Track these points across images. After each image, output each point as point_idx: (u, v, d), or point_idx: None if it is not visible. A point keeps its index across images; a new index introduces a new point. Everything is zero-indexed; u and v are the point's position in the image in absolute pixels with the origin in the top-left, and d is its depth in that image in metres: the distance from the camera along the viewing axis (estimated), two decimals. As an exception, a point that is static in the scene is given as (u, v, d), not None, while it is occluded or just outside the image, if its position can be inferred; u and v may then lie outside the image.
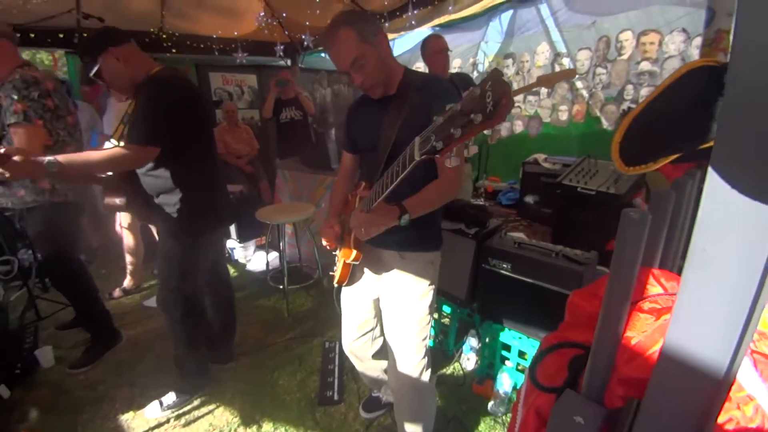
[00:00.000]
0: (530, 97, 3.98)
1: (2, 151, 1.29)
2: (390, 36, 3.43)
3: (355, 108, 1.40)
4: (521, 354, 1.88)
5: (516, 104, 3.87)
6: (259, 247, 3.60)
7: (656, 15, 3.12)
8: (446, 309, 2.31)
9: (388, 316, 1.39)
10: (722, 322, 0.39)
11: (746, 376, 0.52)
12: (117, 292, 2.98)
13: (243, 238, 3.53)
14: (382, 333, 1.52)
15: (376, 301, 1.45)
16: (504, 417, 1.77)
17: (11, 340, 2.15)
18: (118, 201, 1.67)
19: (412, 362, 1.37)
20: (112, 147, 1.54)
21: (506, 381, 1.81)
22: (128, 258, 2.99)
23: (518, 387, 1.86)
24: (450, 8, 3.04)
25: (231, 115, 4.19)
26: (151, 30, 3.91)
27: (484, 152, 3.36)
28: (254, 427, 1.78)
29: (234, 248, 3.60)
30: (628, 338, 0.59)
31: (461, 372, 2.06)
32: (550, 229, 2.37)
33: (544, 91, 3.85)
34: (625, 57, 3.34)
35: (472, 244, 1.92)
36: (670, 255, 0.78)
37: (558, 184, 2.22)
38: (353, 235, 1.24)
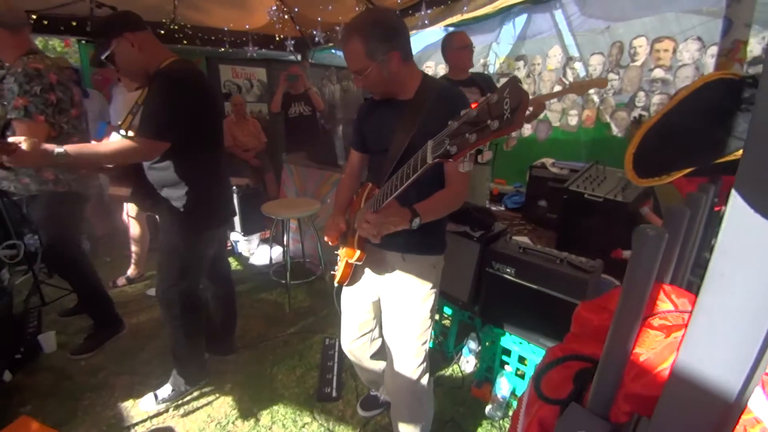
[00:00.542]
0: (540, 101, 3.95)
1: (10, 140, 1.29)
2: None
3: (367, 108, 1.37)
4: (521, 359, 1.88)
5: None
6: (263, 241, 3.61)
7: (671, 22, 3.08)
8: (447, 311, 2.31)
9: (389, 319, 1.37)
10: (737, 348, 0.38)
11: (754, 398, 0.51)
12: (121, 281, 3.00)
13: (247, 231, 3.55)
14: (381, 334, 1.51)
15: (377, 303, 1.44)
16: (501, 422, 1.77)
17: (15, 324, 2.17)
18: (123, 191, 1.67)
19: (411, 366, 1.35)
20: (120, 139, 1.52)
21: (505, 385, 1.81)
22: (133, 247, 3.00)
23: (517, 392, 1.86)
24: (465, 8, 3.01)
25: (239, 108, 4.20)
26: (163, 21, 3.91)
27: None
28: (252, 421, 1.79)
29: (238, 241, 3.62)
30: (636, 354, 0.58)
31: (460, 374, 2.06)
32: (554, 234, 2.36)
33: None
34: (638, 63, 3.30)
35: (477, 247, 1.91)
36: (681, 270, 0.78)
37: (565, 189, 2.21)
38: (357, 235, 1.22)
